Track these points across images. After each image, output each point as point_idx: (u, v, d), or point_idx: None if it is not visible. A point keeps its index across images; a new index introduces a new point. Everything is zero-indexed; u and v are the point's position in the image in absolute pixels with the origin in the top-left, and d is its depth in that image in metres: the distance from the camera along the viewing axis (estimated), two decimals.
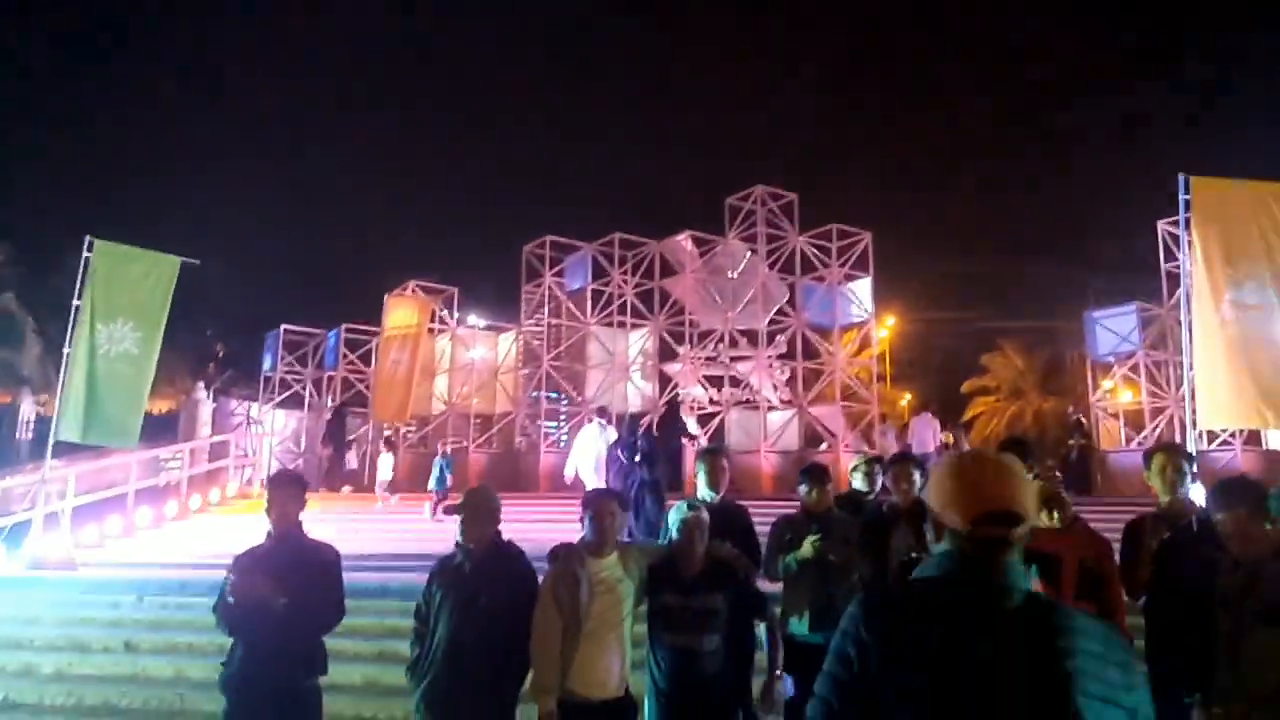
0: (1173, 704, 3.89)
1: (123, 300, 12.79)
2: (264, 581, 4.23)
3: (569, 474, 13.92)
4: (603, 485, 12.59)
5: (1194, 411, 8.83)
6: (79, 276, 12.57)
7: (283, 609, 4.23)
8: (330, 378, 23.65)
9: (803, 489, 5.59)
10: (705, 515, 4.59)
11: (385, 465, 17.67)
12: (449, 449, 17.50)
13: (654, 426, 16.53)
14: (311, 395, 23.68)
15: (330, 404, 23.45)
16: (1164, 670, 4.13)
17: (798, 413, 20.22)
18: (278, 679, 4.31)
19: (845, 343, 22.04)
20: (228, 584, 4.31)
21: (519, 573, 4.43)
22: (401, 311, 21.14)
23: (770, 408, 20.40)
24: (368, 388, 22.87)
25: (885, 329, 34.71)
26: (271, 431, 22.50)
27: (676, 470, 15.70)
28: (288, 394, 23.45)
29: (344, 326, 23.33)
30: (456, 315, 23.60)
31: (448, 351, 22.84)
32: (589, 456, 13.69)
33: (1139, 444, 18.67)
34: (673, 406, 17.12)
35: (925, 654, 1.75)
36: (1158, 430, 18.26)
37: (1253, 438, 17.02)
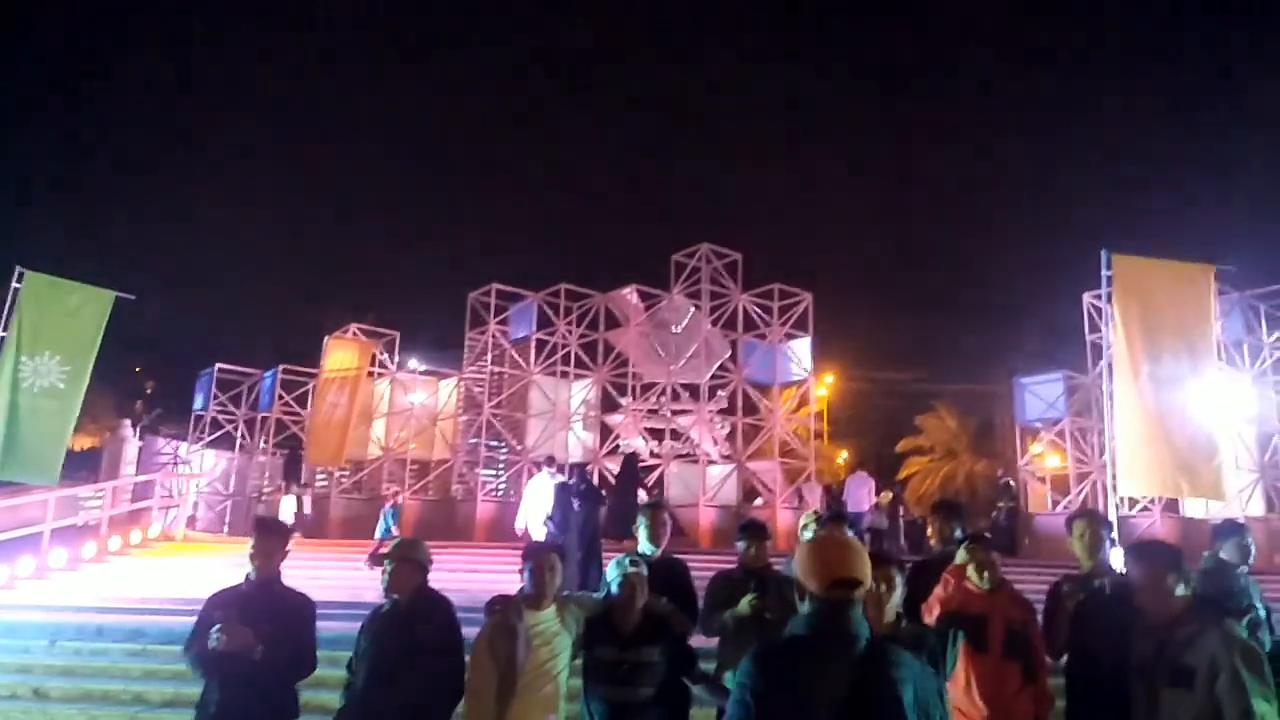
0: None
1: (51, 333, 12.46)
2: (245, 630, 4.23)
3: (520, 526, 13.71)
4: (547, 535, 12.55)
5: (1114, 478, 9.19)
6: (5, 307, 12.22)
7: (259, 656, 4.23)
8: (264, 419, 23.16)
9: (741, 545, 5.61)
10: (644, 570, 4.63)
11: (285, 509, 17.29)
12: (399, 499, 17.04)
13: (614, 478, 16.39)
14: (244, 436, 23.13)
15: (264, 445, 22.92)
16: None
17: (736, 468, 20.38)
18: (261, 707, 4.32)
19: (784, 400, 22.36)
20: (215, 627, 4.26)
21: (443, 623, 4.41)
22: (341, 354, 20.88)
23: (710, 462, 20.53)
24: (302, 430, 22.42)
25: (824, 387, 35.29)
26: (200, 472, 21.88)
27: (631, 522, 15.45)
28: (219, 434, 22.88)
29: (281, 367, 22.94)
30: (397, 359, 23.39)
31: (386, 395, 22.56)
32: (539, 507, 13.50)
33: (1064, 507, 19.19)
34: (631, 459, 17.16)
35: (799, 691, 2.38)
36: (1082, 495, 18.81)
37: (1171, 504, 17.64)
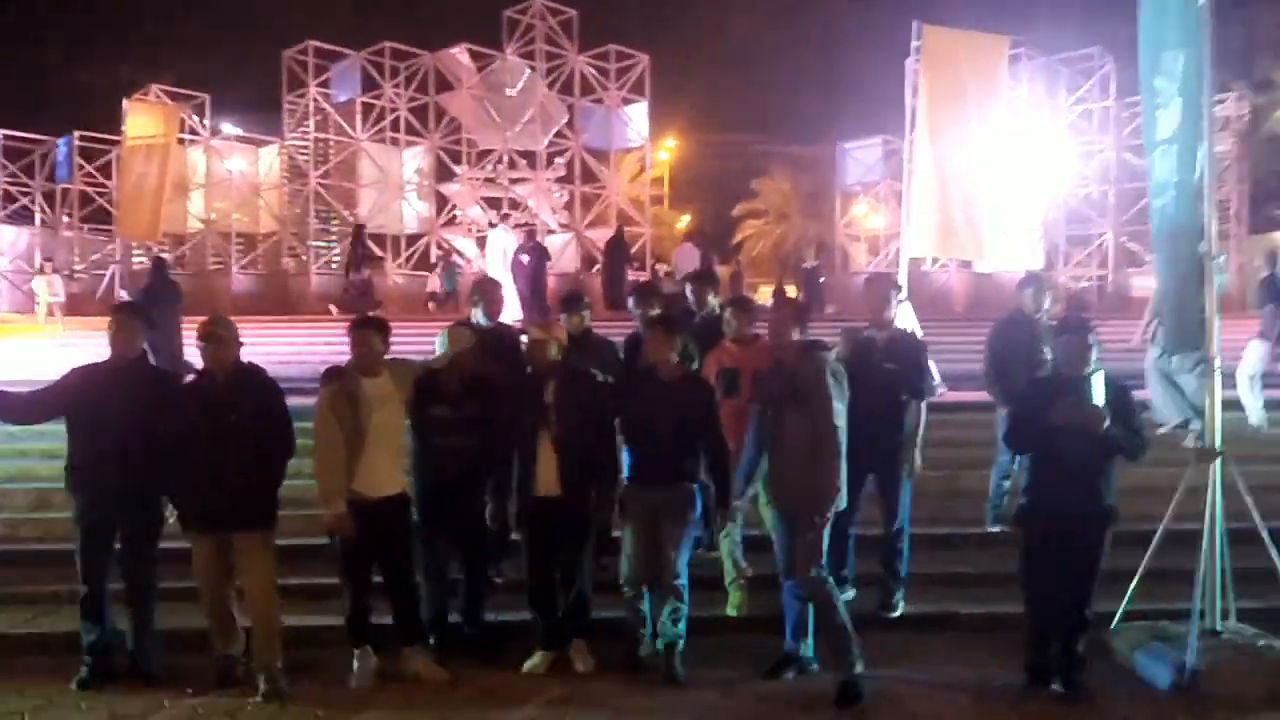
0: None
1: None
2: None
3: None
4: (513, 288, 14.33)
5: (906, 240, 10.23)
6: None
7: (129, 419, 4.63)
8: (65, 191, 21.36)
9: (563, 317, 6.20)
10: (470, 338, 5.15)
11: (50, 287, 17.20)
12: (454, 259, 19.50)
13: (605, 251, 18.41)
14: (44, 210, 21.39)
15: (68, 219, 21.33)
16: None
17: (575, 236, 20.77)
18: (125, 477, 4.66)
19: (624, 166, 22.51)
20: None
21: (264, 390, 4.83)
22: (144, 119, 19.16)
23: (549, 231, 20.78)
24: (111, 203, 20.91)
25: (666, 151, 35.38)
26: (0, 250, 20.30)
27: (623, 296, 16.16)
28: (14, 207, 21.05)
29: (76, 134, 20.89)
30: (208, 124, 21.69)
31: (202, 165, 21.13)
32: (499, 256, 15.81)
33: (876, 267, 20.92)
34: (619, 233, 18.53)
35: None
36: (890, 254, 20.39)
37: (966, 263, 19.45)
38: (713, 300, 6.14)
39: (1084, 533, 4.47)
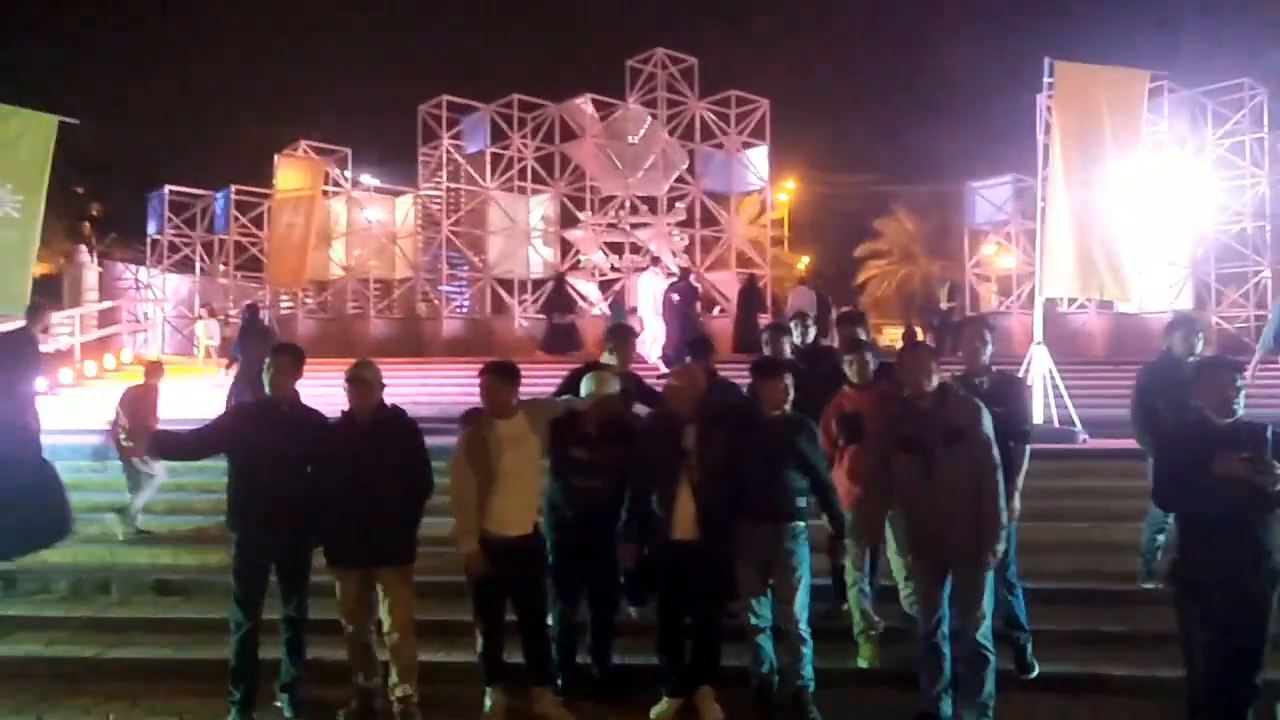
0: None
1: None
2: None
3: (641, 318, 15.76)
4: (662, 327, 15.47)
5: (1041, 280, 9.85)
6: None
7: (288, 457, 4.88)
8: (222, 241, 23.01)
9: (687, 360, 6.29)
10: (617, 384, 5.25)
11: (208, 331, 18.53)
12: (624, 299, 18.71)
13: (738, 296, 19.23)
14: (203, 259, 23.05)
15: (224, 268, 22.92)
16: None
17: (696, 279, 20.84)
18: (281, 514, 4.88)
19: (744, 209, 22.52)
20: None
21: (407, 433, 5.00)
22: (293, 173, 20.53)
23: (669, 274, 20.95)
24: (262, 252, 22.38)
25: (785, 193, 35.30)
26: (165, 296, 21.97)
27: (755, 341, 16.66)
28: (177, 257, 22.77)
29: (233, 188, 22.53)
30: (349, 176, 23.02)
31: (343, 215, 22.42)
32: (650, 299, 16.38)
33: (1007, 307, 20.21)
34: (752, 281, 19.41)
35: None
36: (1023, 294, 19.67)
37: (1107, 302, 18.56)
38: (863, 339, 6.06)
39: (1245, 591, 4.12)
